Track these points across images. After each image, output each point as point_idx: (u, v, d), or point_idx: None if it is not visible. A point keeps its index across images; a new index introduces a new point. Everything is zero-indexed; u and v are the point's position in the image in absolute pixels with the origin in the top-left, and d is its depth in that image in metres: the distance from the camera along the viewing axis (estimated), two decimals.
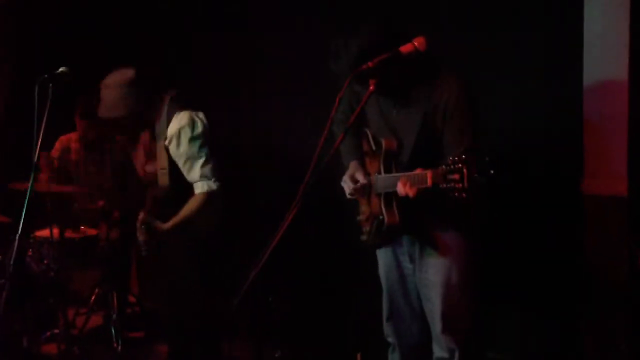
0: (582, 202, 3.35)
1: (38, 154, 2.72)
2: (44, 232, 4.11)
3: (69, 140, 4.77)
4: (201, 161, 3.15)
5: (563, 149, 3.42)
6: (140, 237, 3.14)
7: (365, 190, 2.69)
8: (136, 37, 4.93)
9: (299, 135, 4.18)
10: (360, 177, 2.68)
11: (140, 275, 4.71)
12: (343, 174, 2.85)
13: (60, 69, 2.79)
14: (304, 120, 4.14)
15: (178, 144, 3.14)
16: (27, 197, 2.65)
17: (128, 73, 3.16)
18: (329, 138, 2.17)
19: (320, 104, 2.73)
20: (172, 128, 3.16)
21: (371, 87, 2.31)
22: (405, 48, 2.34)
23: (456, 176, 2.13)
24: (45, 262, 4.03)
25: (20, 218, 2.67)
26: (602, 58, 3.30)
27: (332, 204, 3.17)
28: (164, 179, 3.23)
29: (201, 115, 3.22)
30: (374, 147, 2.70)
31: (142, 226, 3.11)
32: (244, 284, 2.08)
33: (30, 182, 2.68)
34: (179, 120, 3.16)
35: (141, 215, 3.14)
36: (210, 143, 3.20)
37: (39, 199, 3.94)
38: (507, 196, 3.29)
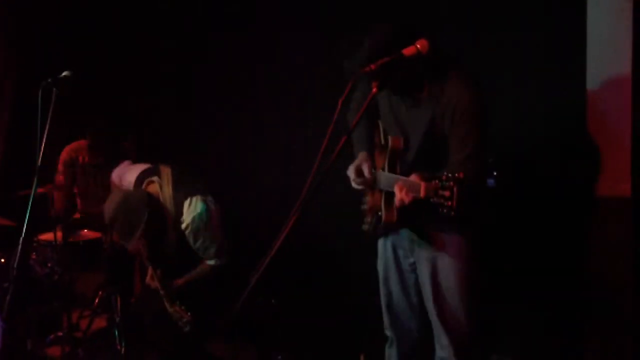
0: (586, 202, 3.34)
1: (41, 157, 2.72)
2: (48, 236, 4.11)
3: (76, 152, 4.79)
4: (216, 244, 3.35)
5: (566, 149, 3.41)
6: (181, 318, 3.30)
7: (368, 184, 2.68)
8: (137, 37, 4.95)
9: (302, 134, 4.19)
10: (366, 171, 2.67)
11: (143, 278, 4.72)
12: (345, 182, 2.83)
13: (64, 73, 2.78)
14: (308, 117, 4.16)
15: (196, 231, 3.30)
16: (31, 201, 2.65)
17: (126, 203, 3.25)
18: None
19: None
20: (188, 216, 3.28)
21: (374, 89, 2.30)
22: (408, 51, 2.33)
23: (447, 193, 2.16)
24: (49, 265, 4.03)
25: (24, 222, 2.67)
26: (605, 58, 3.30)
27: (333, 207, 3.17)
28: (170, 253, 3.41)
29: (210, 198, 3.35)
30: (382, 142, 2.70)
31: (179, 306, 3.30)
32: (245, 288, 2.08)
33: (34, 185, 2.68)
34: (194, 208, 3.28)
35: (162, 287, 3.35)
36: (222, 224, 3.37)
37: (42, 203, 3.96)
38: (511, 197, 3.29)
